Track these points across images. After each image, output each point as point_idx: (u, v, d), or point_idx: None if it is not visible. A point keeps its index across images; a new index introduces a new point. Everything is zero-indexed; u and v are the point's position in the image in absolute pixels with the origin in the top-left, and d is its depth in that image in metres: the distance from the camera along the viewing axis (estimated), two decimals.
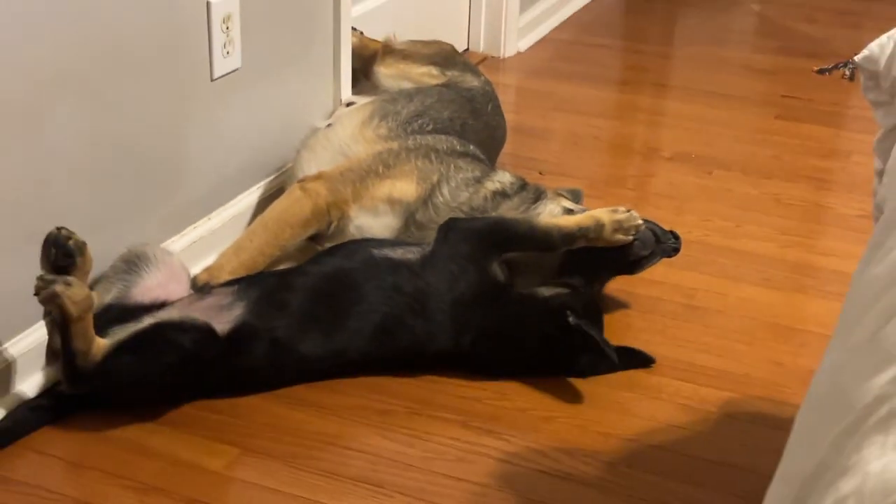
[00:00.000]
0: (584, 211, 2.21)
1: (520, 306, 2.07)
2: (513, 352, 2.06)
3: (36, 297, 1.77)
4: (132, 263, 1.99)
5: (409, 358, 2.04)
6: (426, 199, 2.26)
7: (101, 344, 1.82)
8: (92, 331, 1.81)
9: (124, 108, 2.02)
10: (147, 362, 1.83)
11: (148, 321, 1.86)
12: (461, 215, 2.22)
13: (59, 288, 1.75)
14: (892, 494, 0.66)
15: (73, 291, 1.76)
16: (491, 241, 2.09)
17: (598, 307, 2.14)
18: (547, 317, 2.04)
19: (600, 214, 2.12)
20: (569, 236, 2.10)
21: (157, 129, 2.12)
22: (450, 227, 2.10)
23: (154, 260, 2.00)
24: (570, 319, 2.01)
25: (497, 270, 2.08)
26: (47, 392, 1.91)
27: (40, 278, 1.77)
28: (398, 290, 2.01)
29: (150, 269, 1.99)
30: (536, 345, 2.05)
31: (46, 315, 1.88)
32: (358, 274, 2.02)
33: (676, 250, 2.26)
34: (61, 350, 1.82)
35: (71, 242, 1.86)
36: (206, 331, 1.86)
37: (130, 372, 1.83)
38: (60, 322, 1.78)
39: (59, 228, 1.87)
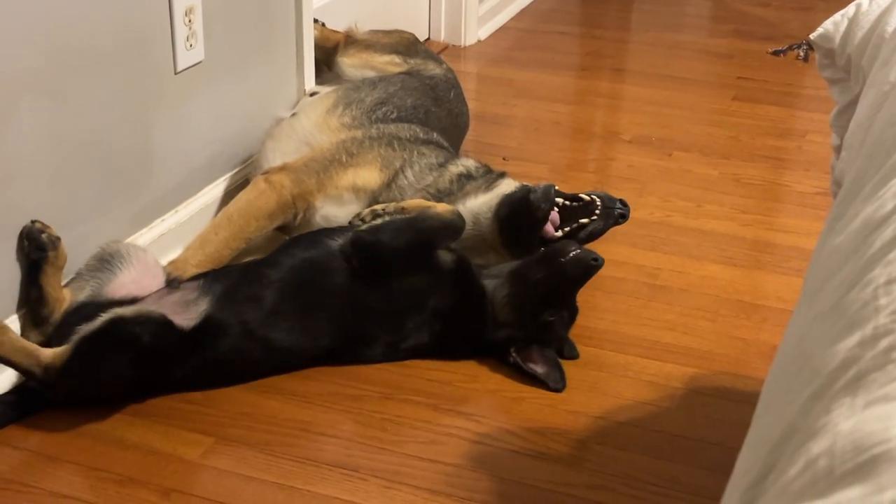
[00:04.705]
0: None
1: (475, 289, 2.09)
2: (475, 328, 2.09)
3: None
4: (105, 261, 2.00)
5: (386, 356, 2.07)
6: (390, 186, 2.27)
7: (58, 352, 1.82)
8: (27, 345, 1.82)
9: (88, 104, 2.01)
10: (105, 361, 1.84)
11: (101, 319, 1.85)
12: (428, 198, 2.24)
13: None
14: (863, 452, 0.66)
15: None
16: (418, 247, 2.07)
17: (573, 312, 2.14)
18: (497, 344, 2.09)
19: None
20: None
21: (122, 124, 2.12)
22: (371, 253, 2.03)
23: (127, 257, 2.01)
24: (511, 358, 2.05)
25: (443, 257, 2.09)
26: (18, 388, 1.91)
27: None
28: (359, 300, 2.02)
29: (124, 265, 1.99)
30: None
31: (19, 309, 1.88)
32: (321, 272, 2.03)
33: (624, 216, 2.29)
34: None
35: (44, 236, 1.87)
36: (162, 323, 1.86)
37: (91, 373, 1.84)
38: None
39: (33, 222, 1.88)
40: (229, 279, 2.00)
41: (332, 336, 2.01)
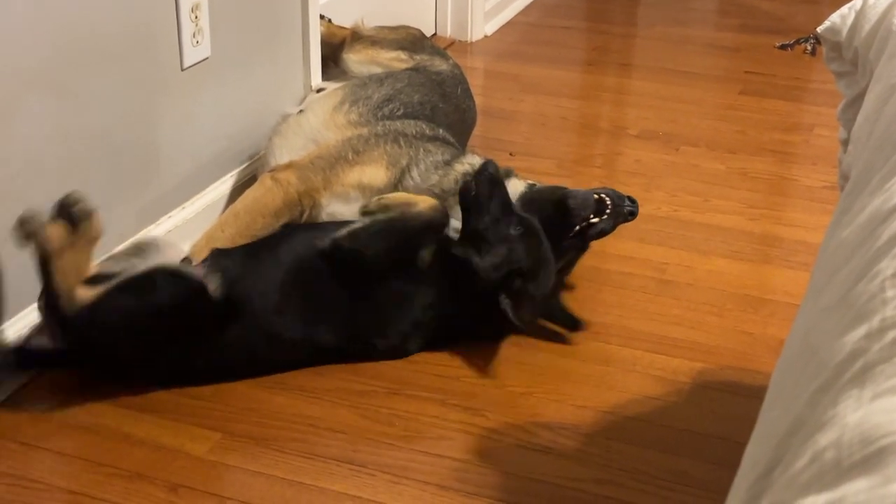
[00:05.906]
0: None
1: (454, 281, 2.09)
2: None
3: (16, 235, 1.80)
4: (140, 249, 2.04)
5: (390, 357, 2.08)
6: (396, 184, 2.27)
7: (90, 291, 1.83)
8: (73, 274, 1.82)
9: (95, 100, 2.01)
10: (140, 302, 1.85)
11: (144, 265, 1.88)
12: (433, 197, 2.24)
13: (36, 225, 1.79)
14: (870, 444, 0.67)
15: (51, 229, 1.79)
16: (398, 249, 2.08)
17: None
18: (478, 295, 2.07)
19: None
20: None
21: (128, 121, 2.12)
22: (350, 260, 2.04)
23: (160, 249, 2.05)
24: (501, 304, 2.05)
25: (421, 256, 2.08)
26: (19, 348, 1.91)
27: (20, 217, 1.80)
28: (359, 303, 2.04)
29: (156, 255, 2.02)
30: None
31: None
32: (312, 273, 2.04)
33: (633, 214, 2.28)
34: (44, 295, 1.83)
35: (76, 209, 1.84)
36: (200, 287, 1.89)
37: (121, 313, 1.84)
38: (40, 260, 1.81)
39: (68, 194, 1.85)
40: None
41: (334, 334, 2.02)
